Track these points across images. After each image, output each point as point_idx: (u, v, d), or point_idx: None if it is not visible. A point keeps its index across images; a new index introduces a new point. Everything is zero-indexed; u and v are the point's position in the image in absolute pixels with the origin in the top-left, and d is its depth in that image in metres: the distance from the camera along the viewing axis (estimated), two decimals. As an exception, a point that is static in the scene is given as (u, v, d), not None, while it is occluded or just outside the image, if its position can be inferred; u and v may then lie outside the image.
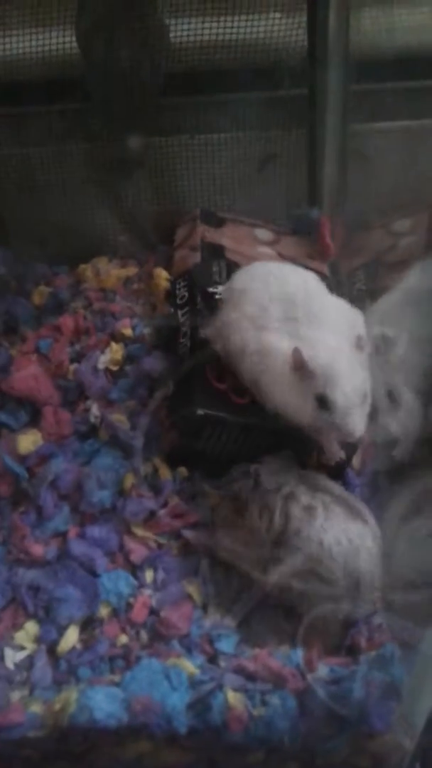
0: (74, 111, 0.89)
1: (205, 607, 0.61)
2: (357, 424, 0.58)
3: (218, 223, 0.86)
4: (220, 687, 0.54)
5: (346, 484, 0.67)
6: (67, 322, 0.80)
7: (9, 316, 0.84)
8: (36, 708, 0.53)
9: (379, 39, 0.86)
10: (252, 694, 0.54)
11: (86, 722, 0.50)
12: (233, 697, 0.54)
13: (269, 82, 0.87)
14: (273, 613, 0.61)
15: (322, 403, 0.57)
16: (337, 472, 0.68)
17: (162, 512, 0.65)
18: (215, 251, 0.81)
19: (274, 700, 0.53)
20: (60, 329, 0.80)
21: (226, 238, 0.83)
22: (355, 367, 0.59)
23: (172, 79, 0.87)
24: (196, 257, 0.79)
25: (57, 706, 0.52)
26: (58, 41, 0.83)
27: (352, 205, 0.88)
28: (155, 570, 0.63)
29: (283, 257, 0.83)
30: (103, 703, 0.51)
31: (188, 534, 0.64)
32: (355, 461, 0.69)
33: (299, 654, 0.56)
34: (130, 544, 0.63)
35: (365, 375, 0.60)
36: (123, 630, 0.59)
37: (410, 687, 0.52)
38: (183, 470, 0.68)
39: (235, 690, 0.54)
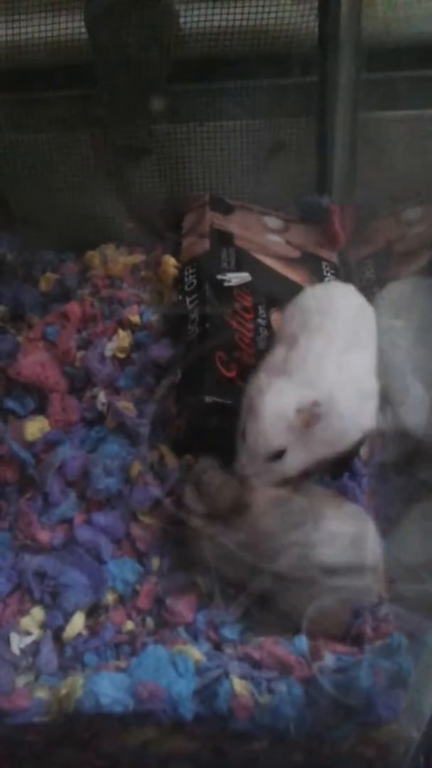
0: (82, 97, 0.88)
1: (210, 595, 0.61)
2: None
3: (227, 210, 0.85)
4: (226, 674, 0.54)
5: (353, 475, 0.67)
6: (74, 309, 0.80)
7: (16, 303, 0.84)
8: (41, 693, 0.53)
9: (391, 26, 0.86)
10: (258, 682, 0.54)
11: (92, 708, 0.50)
12: (239, 685, 0.53)
13: (279, 69, 0.86)
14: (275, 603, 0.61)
15: None
16: (344, 463, 0.68)
17: (168, 500, 0.65)
18: (224, 238, 0.80)
19: (280, 687, 0.53)
20: (67, 316, 0.79)
21: (235, 225, 0.83)
22: None
23: (181, 65, 0.86)
24: (205, 244, 0.79)
25: (63, 692, 0.51)
26: (67, 26, 0.82)
27: (362, 194, 0.88)
28: (161, 557, 0.62)
29: (291, 245, 0.83)
30: (109, 688, 0.51)
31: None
32: (363, 452, 0.69)
33: (304, 642, 0.56)
34: (137, 531, 0.63)
35: None
36: (129, 617, 0.59)
37: (418, 677, 0.52)
38: (190, 458, 0.67)
39: (241, 677, 0.54)
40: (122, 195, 0.91)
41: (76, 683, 0.51)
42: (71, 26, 0.82)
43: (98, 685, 0.51)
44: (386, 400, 0.71)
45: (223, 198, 0.88)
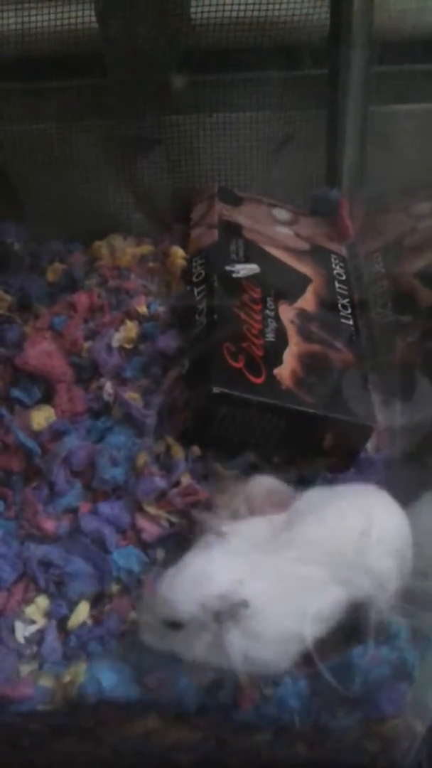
0: (91, 87, 0.88)
1: None
2: None
3: (236, 201, 0.85)
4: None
5: (359, 469, 0.67)
6: (81, 299, 0.79)
7: (23, 293, 0.83)
8: (45, 682, 0.53)
9: (404, 18, 0.85)
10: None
11: (96, 695, 0.50)
12: (244, 677, 0.53)
13: (290, 60, 0.85)
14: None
15: None
16: (349, 458, 0.67)
17: (174, 491, 0.65)
18: (233, 229, 0.80)
19: (285, 679, 0.53)
20: (74, 306, 0.79)
21: (244, 216, 0.82)
22: None
23: (191, 56, 0.86)
24: (214, 235, 0.79)
25: (67, 679, 0.51)
26: (77, 16, 0.82)
27: (372, 187, 0.87)
28: (167, 549, 0.62)
29: (301, 237, 0.83)
30: (112, 678, 0.51)
31: (196, 515, 0.63)
32: (370, 446, 0.69)
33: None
34: (142, 522, 0.63)
35: None
36: (133, 607, 0.58)
37: (424, 670, 0.52)
38: (196, 449, 0.67)
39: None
40: (130, 185, 0.91)
41: (79, 670, 0.51)
42: (81, 15, 0.82)
43: (102, 673, 0.50)
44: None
45: (232, 189, 0.87)
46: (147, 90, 0.87)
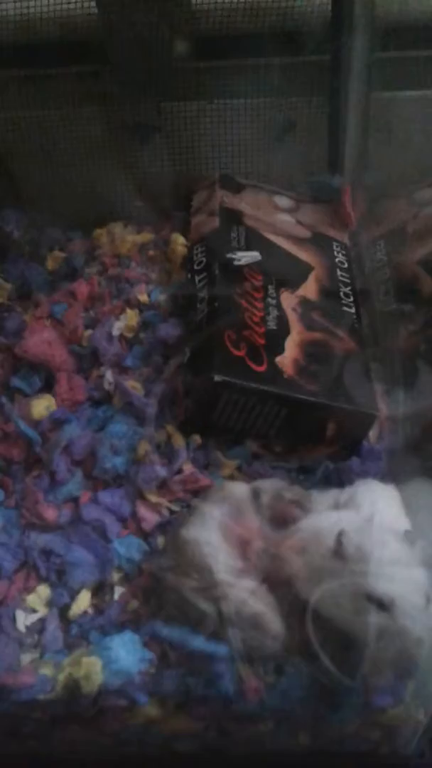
0: (91, 73, 0.87)
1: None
2: None
3: (237, 188, 0.84)
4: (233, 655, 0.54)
5: (361, 459, 0.67)
6: (81, 287, 0.79)
7: (22, 281, 0.83)
8: (47, 670, 0.53)
9: (406, 3, 0.84)
10: (264, 663, 0.53)
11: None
12: (244, 666, 0.53)
13: (291, 47, 0.84)
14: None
15: None
16: (352, 447, 0.67)
17: (175, 479, 0.64)
18: (234, 217, 0.79)
19: (287, 668, 0.53)
20: (74, 295, 0.79)
21: (245, 203, 0.81)
22: None
23: (191, 42, 0.85)
24: (215, 222, 0.78)
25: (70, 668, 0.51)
26: (77, 2, 0.81)
27: (374, 174, 0.86)
28: (167, 537, 0.62)
29: (302, 225, 0.82)
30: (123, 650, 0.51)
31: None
32: (372, 435, 0.68)
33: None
34: (143, 510, 0.63)
35: None
36: (134, 596, 0.58)
37: (427, 659, 0.52)
38: (197, 438, 0.67)
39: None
40: (131, 173, 0.90)
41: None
42: (82, 2, 0.81)
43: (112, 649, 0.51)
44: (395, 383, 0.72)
45: (233, 176, 0.86)
46: (147, 76, 0.86)
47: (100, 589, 0.59)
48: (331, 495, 0.60)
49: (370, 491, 0.60)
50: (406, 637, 0.50)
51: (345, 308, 0.74)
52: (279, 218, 0.82)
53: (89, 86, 0.88)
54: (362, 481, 0.62)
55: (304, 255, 0.78)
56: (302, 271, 0.76)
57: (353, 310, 0.74)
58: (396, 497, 0.60)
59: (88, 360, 0.73)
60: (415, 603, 0.50)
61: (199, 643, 0.52)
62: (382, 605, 0.50)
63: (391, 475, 0.64)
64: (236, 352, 0.66)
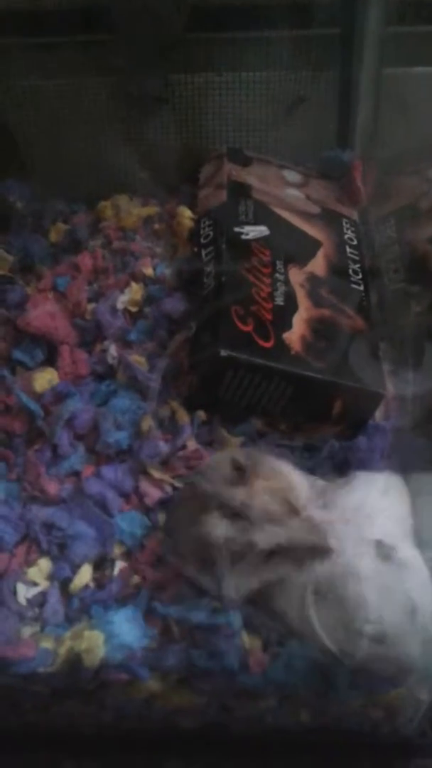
0: (97, 43, 0.85)
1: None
2: None
3: (245, 161, 0.83)
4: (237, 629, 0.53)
5: (367, 437, 0.66)
6: (85, 260, 0.77)
7: (25, 253, 0.81)
8: (47, 644, 0.52)
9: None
10: (267, 637, 0.53)
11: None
12: (249, 640, 0.53)
13: (302, 19, 0.83)
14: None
15: None
16: (358, 425, 0.66)
17: (178, 456, 0.64)
18: (242, 190, 0.78)
19: (290, 642, 0.52)
20: (78, 268, 0.77)
21: (254, 177, 0.80)
22: None
23: (199, 13, 0.83)
24: (222, 196, 0.77)
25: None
26: (83, -32, 0.80)
27: (385, 150, 0.85)
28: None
29: (311, 200, 0.80)
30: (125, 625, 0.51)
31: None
32: (379, 414, 0.68)
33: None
34: (145, 486, 0.62)
35: None
36: (136, 570, 0.58)
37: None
38: (201, 414, 0.66)
39: (251, 633, 0.53)
40: (137, 145, 0.88)
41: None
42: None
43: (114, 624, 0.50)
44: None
45: (241, 149, 0.85)
46: (155, 47, 0.85)
47: (101, 564, 0.58)
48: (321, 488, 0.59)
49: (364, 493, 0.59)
50: (399, 661, 0.50)
51: (353, 285, 0.73)
52: (288, 193, 0.81)
53: (95, 56, 0.86)
54: (362, 475, 0.60)
55: (312, 231, 0.76)
56: (311, 247, 0.74)
57: (362, 288, 0.73)
58: (401, 490, 0.59)
59: (91, 334, 0.72)
60: (402, 626, 0.50)
61: (202, 616, 0.52)
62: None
63: (397, 462, 0.63)
64: (243, 328, 0.65)
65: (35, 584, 0.57)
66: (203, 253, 0.72)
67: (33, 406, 0.65)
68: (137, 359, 0.68)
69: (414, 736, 0.57)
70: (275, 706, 0.55)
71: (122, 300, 0.73)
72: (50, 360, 0.71)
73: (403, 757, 0.57)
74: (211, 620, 0.52)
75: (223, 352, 0.62)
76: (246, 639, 0.52)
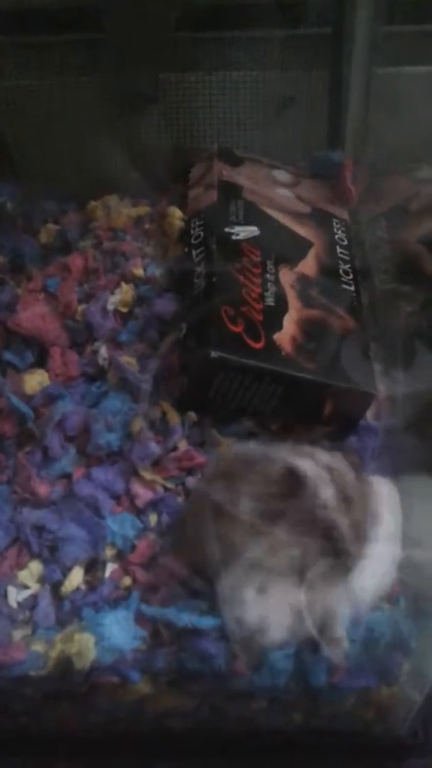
0: (88, 42, 0.85)
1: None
2: None
3: (236, 161, 0.82)
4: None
5: (358, 436, 0.66)
6: (75, 261, 0.77)
7: (15, 254, 0.81)
8: (38, 647, 0.52)
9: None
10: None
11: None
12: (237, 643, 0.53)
13: (292, 19, 0.83)
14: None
15: None
16: (349, 426, 0.66)
17: (169, 457, 0.64)
18: (233, 190, 0.78)
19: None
20: (68, 268, 0.77)
21: (244, 177, 0.80)
22: None
23: (190, 12, 0.83)
24: (213, 196, 0.76)
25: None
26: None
27: (376, 151, 0.85)
28: (160, 514, 0.61)
29: (302, 200, 0.80)
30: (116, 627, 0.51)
31: (191, 483, 0.62)
32: (370, 414, 0.68)
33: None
34: (137, 487, 0.62)
35: None
36: (127, 572, 0.58)
37: (423, 639, 0.51)
38: (192, 415, 0.66)
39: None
40: (127, 145, 0.88)
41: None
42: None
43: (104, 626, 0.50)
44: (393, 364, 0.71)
45: (232, 149, 0.85)
46: (145, 46, 0.84)
47: (92, 566, 0.58)
48: None
49: None
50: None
51: (344, 286, 0.73)
52: (278, 193, 0.81)
53: (85, 55, 0.86)
54: None
55: (303, 231, 0.76)
56: (301, 247, 0.74)
57: (353, 288, 0.73)
58: (392, 494, 0.59)
59: (82, 335, 0.72)
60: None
61: (188, 618, 0.52)
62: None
63: (388, 463, 0.64)
64: (233, 329, 0.64)
65: (26, 587, 0.56)
66: (194, 253, 0.72)
67: (23, 407, 0.65)
68: (128, 360, 0.68)
69: (406, 737, 0.57)
70: (265, 707, 0.55)
71: (113, 301, 0.73)
72: (41, 361, 0.71)
73: (395, 758, 0.57)
74: (197, 622, 0.52)
75: (214, 354, 0.62)
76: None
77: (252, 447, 0.57)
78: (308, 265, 0.73)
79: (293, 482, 0.51)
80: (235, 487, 0.53)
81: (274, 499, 0.52)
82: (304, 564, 0.51)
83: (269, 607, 0.51)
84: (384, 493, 0.58)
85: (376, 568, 0.54)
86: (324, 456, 0.54)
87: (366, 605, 0.54)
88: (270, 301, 0.68)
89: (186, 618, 0.52)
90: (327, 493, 0.51)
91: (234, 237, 0.72)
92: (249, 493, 0.52)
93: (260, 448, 0.56)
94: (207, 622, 0.52)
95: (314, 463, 0.53)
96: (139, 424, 0.64)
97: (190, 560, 0.55)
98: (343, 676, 0.52)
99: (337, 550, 0.51)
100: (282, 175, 0.84)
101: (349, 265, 0.75)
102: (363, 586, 0.53)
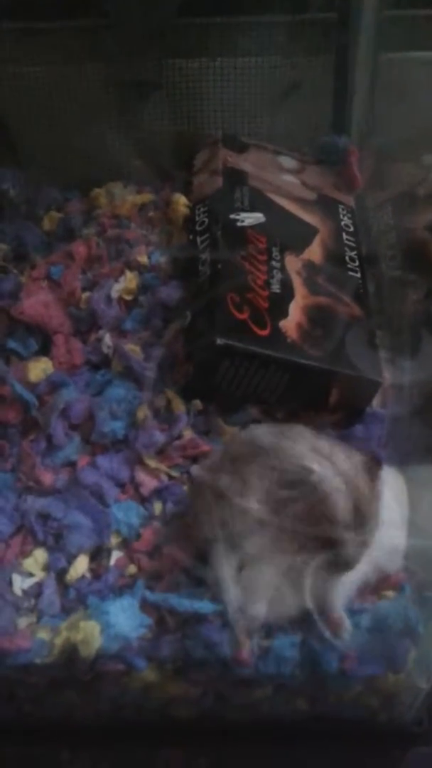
0: (91, 28, 0.84)
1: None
2: None
3: (241, 147, 0.82)
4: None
5: (364, 424, 0.65)
6: (79, 248, 0.77)
7: (18, 242, 0.81)
8: (43, 634, 0.52)
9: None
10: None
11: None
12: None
13: (297, 4, 0.82)
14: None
15: None
16: (355, 414, 0.66)
17: (174, 445, 0.63)
18: (238, 177, 0.77)
19: (279, 634, 0.52)
20: (72, 256, 0.77)
21: (249, 163, 0.79)
22: None
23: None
24: (218, 182, 0.76)
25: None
26: None
27: (382, 137, 0.84)
28: (164, 502, 0.61)
29: (307, 187, 0.80)
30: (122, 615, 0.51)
31: (194, 471, 0.62)
32: (376, 402, 0.67)
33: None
34: (142, 476, 0.62)
35: None
36: (132, 560, 0.57)
37: (429, 627, 0.51)
38: (198, 403, 0.65)
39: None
40: (131, 131, 0.87)
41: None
42: None
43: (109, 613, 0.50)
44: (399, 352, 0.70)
45: (236, 136, 0.84)
46: (149, 32, 0.83)
47: (97, 554, 0.58)
48: None
49: None
50: None
51: (350, 273, 0.72)
52: (284, 179, 0.80)
53: (89, 41, 0.85)
54: None
55: (309, 217, 0.76)
56: (307, 233, 0.74)
57: (359, 275, 0.72)
58: (398, 484, 0.59)
59: (86, 323, 0.72)
60: None
61: (191, 604, 0.52)
62: None
63: (394, 451, 0.63)
64: (239, 316, 0.64)
65: (31, 575, 0.56)
66: (198, 240, 0.71)
67: (27, 395, 0.65)
68: (132, 348, 0.68)
69: (411, 725, 0.57)
70: (271, 694, 0.55)
71: (117, 288, 0.73)
72: (44, 349, 0.70)
73: (400, 746, 0.57)
74: (198, 607, 0.52)
75: (219, 341, 0.61)
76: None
77: (262, 432, 0.55)
78: (314, 252, 0.72)
79: (309, 489, 0.50)
80: (242, 474, 0.52)
81: (283, 497, 0.51)
82: (303, 561, 0.51)
83: (260, 585, 0.52)
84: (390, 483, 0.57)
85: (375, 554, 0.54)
86: (343, 460, 0.52)
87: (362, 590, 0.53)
88: (276, 288, 0.67)
89: (187, 603, 0.52)
90: (341, 508, 0.50)
91: (239, 224, 0.72)
92: (257, 486, 0.51)
93: (272, 433, 0.54)
94: (207, 607, 0.52)
95: (333, 471, 0.51)
96: (143, 413, 0.64)
97: (191, 545, 0.55)
98: (354, 664, 0.52)
99: (340, 564, 0.51)
100: (287, 161, 0.83)
101: (355, 252, 0.74)
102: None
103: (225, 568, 0.52)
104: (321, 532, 0.50)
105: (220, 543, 0.52)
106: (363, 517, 0.51)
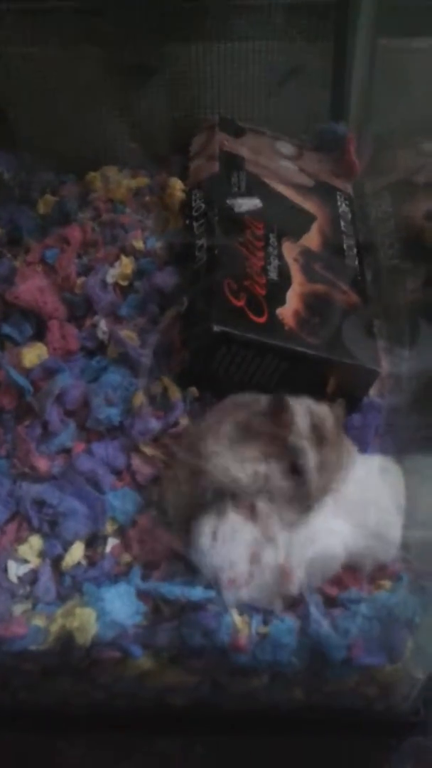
0: (89, 11, 0.83)
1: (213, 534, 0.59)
2: None
3: (238, 132, 0.81)
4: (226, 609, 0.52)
5: (362, 413, 0.65)
6: (74, 232, 0.76)
7: (13, 226, 0.80)
8: (39, 621, 0.52)
9: None
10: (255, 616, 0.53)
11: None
12: (239, 620, 0.52)
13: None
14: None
15: None
16: (352, 403, 0.66)
17: (170, 432, 0.63)
18: (234, 161, 0.76)
19: (276, 621, 0.52)
20: (67, 240, 0.76)
21: (246, 148, 0.78)
22: None
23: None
24: (214, 167, 0.75)
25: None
26: None
27: (380, 123, 0.83)
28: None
29: (305, 173, 0.79)
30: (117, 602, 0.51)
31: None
32: (373, 391, 0.67)
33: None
34: (137, 463, 0.61)
35: None
36: (128, 548, 0.57)
37: (426, 618, 0.51)
38: (194, 390, 0.65)
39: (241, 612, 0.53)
40: (127, 115, 0.86)
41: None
42: None
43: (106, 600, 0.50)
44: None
45: (233, 120, 0.83)
46: (148, 15, 0.82)
47: (93, 541, 0.57)
48: None
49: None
50: None
51: (348, 261, 0.72)
52: (281, 165, 0.79)
53: (86, 24, 0.83)
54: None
55: (306, 204, 0.75)
56: (305, 220, 0.73)
57: (356, 263, 0.72)
58: (395, 473, 0.59)
59: (81, 308, 0.71)
60: None
61: (182, 591, 0.52)
62: None
63: (391, 441, 0.63)
64: (236, 303, 0.63)
65: (26, 562, 0.56)
66: (194, 225, 0.71)
67: (22, 381, 0.64)
68: (128, 334, 0.67)
69: (408, 714, 0.57)
70: (267, 683, 0.54)
71: (112, 274, 0.72)
72: (39, 335, 0.70)
73: (396, 736, 0.57)
74: (189, 594, 0.52)
75: (216, 328, 0.61)
76: (236, 617, 0.52)
77: (247, 395, 0.59)
78: (312, 239, 0.72)
79: (276, 406, 0.54)
80: (220, 417, 0.56)
81: (253, 423, 0.55)
82: (268, 483, 0.53)
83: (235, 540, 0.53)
84: (354, 452, 0.59)
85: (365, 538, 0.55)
86: (310, 401, 0.56)
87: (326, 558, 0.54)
88: (273, 275, 0.67)
89: (177, 591, 0.52)
90: (303, 423, 0.53)
91: (236, 209, 0.71)
92: (232, 422, 0.55)
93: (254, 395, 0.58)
94: (198, 594, 0.52)
95: (299, 402, 0.55)
96: (139, 399, 0.63)
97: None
98: (360, 653, 0.52)
99: (300, 479, 0.53)
100: (285, 147, 0.82)
101: (353, 240, 0.74)
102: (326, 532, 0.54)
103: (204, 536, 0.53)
104: (285, 451, 0.53)
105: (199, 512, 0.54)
106: (323, 442, 0.53)
